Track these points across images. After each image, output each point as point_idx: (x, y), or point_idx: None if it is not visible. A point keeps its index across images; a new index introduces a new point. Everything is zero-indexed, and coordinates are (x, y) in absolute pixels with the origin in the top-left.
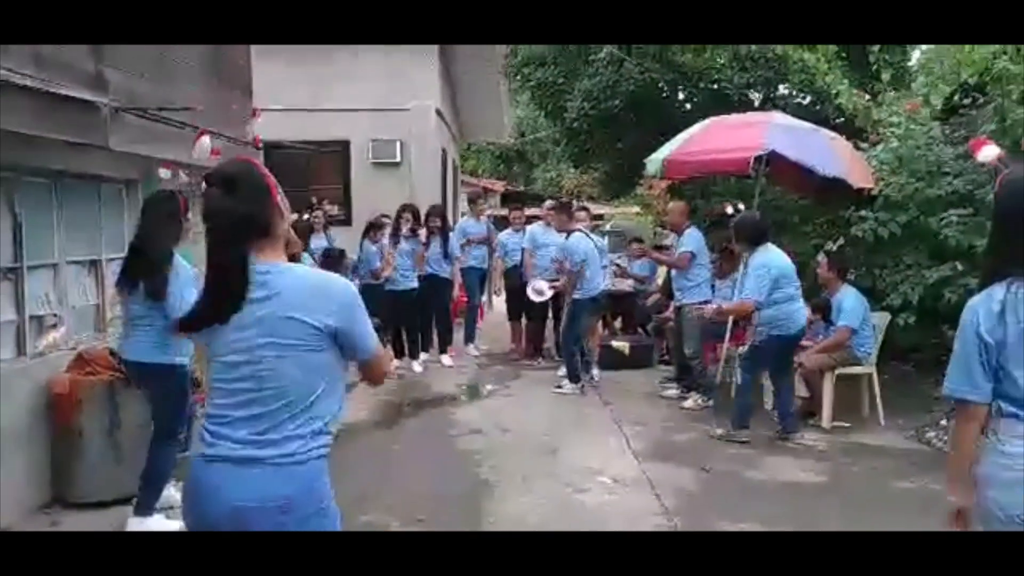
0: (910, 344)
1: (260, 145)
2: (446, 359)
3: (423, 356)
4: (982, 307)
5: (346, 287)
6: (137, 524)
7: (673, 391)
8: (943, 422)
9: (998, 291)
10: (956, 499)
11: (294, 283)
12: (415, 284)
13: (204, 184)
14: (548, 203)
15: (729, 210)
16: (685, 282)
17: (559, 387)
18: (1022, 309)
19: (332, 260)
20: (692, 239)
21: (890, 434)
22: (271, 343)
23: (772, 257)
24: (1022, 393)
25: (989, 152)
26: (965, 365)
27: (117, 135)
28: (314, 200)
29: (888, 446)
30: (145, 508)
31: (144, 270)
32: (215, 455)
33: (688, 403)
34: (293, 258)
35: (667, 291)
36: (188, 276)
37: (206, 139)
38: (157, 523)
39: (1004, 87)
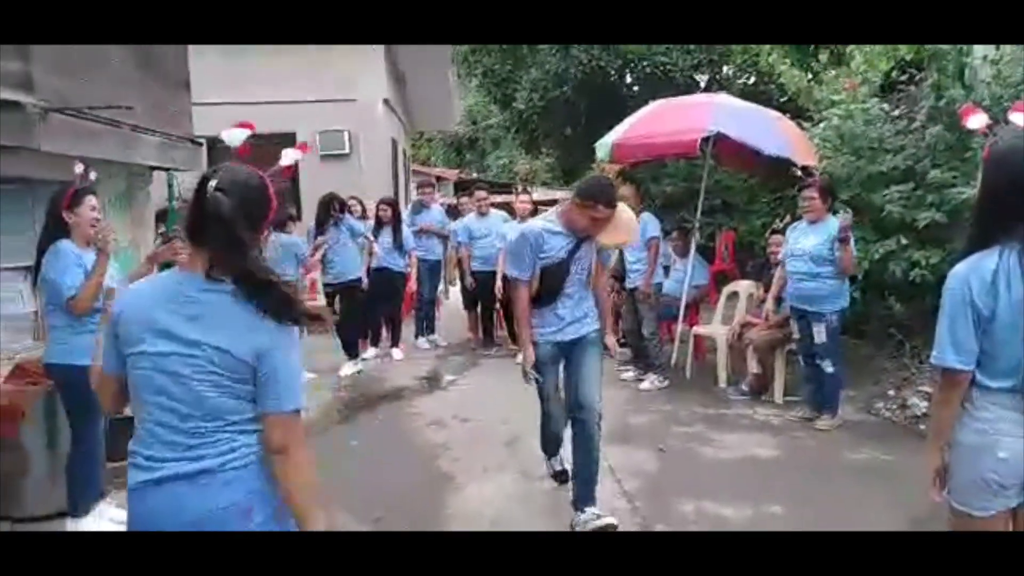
0: (857, 318)
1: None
2: (396, 353)
3: (372, 351)
4: (974, 275)
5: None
6: (72, 526)
7: (630, 373)
8: (891, 392)
9: (988, 259)
10: (936, 463)
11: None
12: (357, 276)
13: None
14: (480, 192)
15: (799, 172)
16: (639, 265)
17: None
18: (1015, 279)
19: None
20: (653, 225)
21: (841, 406)
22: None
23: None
24: (1001, 364)
25: (979, 120)
26: (956, 334)
27: (48, 136)
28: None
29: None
30: (76, 510)
31: (37, 266)
32: (161, 477)
33: (645, 384)
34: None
35: (619, 274)
36: (69, 260)
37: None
38: (91, 523)
39: (940, 63)
